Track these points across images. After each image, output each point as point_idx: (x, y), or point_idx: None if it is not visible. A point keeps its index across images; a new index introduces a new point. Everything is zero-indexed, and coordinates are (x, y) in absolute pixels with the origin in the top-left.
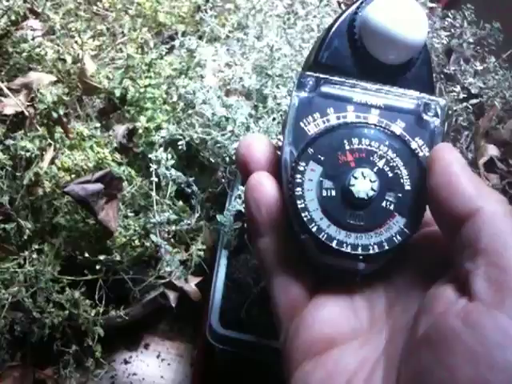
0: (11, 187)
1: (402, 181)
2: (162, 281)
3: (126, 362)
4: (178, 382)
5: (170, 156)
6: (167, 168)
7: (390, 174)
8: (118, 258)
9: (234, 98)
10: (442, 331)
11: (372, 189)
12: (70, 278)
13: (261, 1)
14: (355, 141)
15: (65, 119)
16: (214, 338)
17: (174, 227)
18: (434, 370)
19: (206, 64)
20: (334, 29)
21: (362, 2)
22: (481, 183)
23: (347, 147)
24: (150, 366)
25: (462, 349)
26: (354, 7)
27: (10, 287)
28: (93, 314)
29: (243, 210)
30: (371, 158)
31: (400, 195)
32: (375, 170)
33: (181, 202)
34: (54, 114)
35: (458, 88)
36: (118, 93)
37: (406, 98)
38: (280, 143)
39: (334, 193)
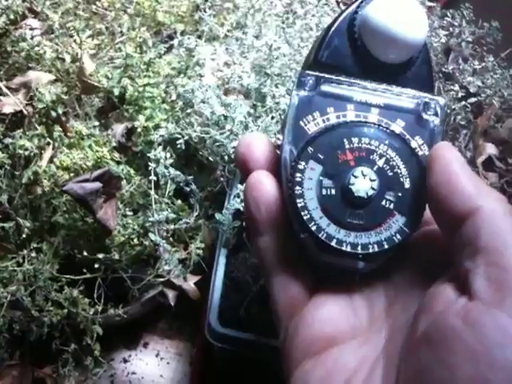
0: (10, 186)
1: (401, 180)
2: (161, 279)
3: (125, 361)
4: (177, 380)
5: (168, 155)
6: (166, 167)
7: (390, 173)
8: (117, 256)
9: (233, 97)
10: (442, 330)
11: (372, 188)
12: (68, 276)
13: (260, 0)
14: (355, 140)
15: (64, 118)
16: (212, 337)
17: (172, 226)
18: (434, 368)
19: (205, 63)
20: (334, 28)
21: (362, 1)
22: (480, 182)
23: (347, 146)
24: (149, 365)
25: (462, 348)
26: (354, 6)
27: (9, 286)
28: (91, 313)
29: (242, 209)
30: (371, 157)
31: (400, 194)
32: (375, 168)
33: (179, 201)
34: (53, 113)
35: (457, 87)
36: (116, 92)
37: (406, 97)
38: (279, 142)
39: (333, 192)
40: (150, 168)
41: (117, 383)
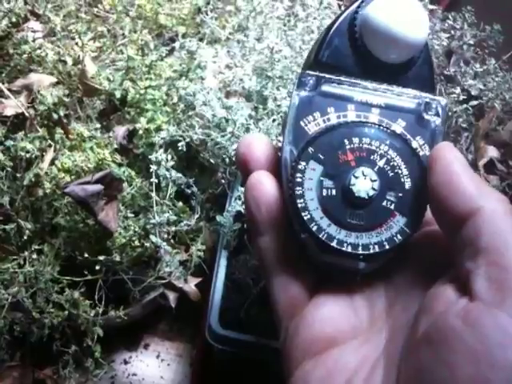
0: (11, 188)
1: (402, 180)
2: (162, 281)
3: (126, 363)
4: (177, 382)
5: (170, 157)
6: (167, 169)
7: (391, 174)
8: (118, 258)
9: (234, 100)
10: (443, 330)
11: (372, 188)
12: (69, 278)
13: (261, 3)
14: (356, 140)
15: (65, 120)
16: (213, 338)
17: (173, 228)
18: (435, 368)
19: (207, 66)
20: (334, 27)
21: (362, 1)
22: (481, 182)
23: (348, 146)
24: (150, 367)
25: (463, 348)
26: (354, 6)
27: (10, 287)
28: (92, 315)
29: (243, 211)
30: (372, 158)
31: (401, 194)
32: (376, 169)
33: (181, 203)
34: (55, 115)
35: (458, 90)
36: (118, 94)
37: (407, 97)
38: (280, 144)
39: (334, 192)
40: (151, 170)
41: None
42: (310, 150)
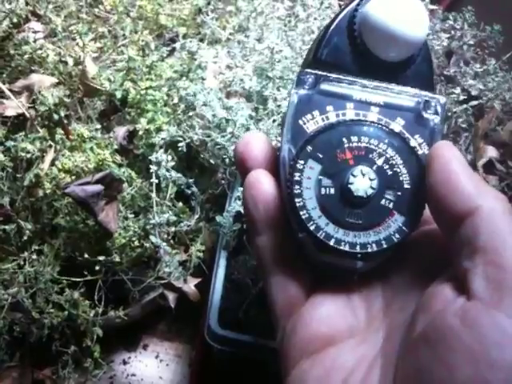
0: (12, 188)
1: (401, 179)
2: (161, 282)
3: (125, 363)
4: (176, 382)
5: (170, 157)
6: (167, 169)
7: (390, 172)
8: (118, 258)
9: (235, 100)
10: (441, 329)
11: (371, 187)
12: (69, 278)
13: (262, 3)
14: (354, 139)
15: (66, 121)
16: (212, 339)
17: (173, 228)
18: (433, 368)
19: (207, 66)
20: (333, 26)
21: None
22: (480, 181)
23: (346, 145)
24: (149, 367)
25: (461, 347)
26: (353, 4)
27: (10, 288)
28: (92, 315)
29: (243, 212)
30: (370, 156)
31: (399, 193)
32: (374, 168)
33: (181, 204)
34: (55, 116)
35: (458, 90)
36: (118, 95)
37: (406, 96)
38: (280, 144)
39: (332, 191)
40: (151, 171)
41: None
42: (309, 148)
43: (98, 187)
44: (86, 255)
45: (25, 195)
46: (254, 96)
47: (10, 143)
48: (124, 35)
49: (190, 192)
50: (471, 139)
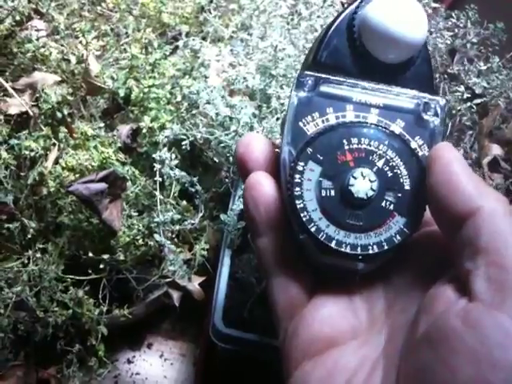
0: (15, 187)
1: (401, 180)
2: (166, 280)
3: (129, 362)
4: (180, 381)
5: (173, 156)
6: (171, 168)
7: (390, 174)
8: (122, 257)
9: (238, 98)
10: (443, 330)
11: (371, 189)
12: (73, 277)
13: (265, 1)
14: (354, 140)
15: (69, 119)
16: (216, 337)
17: (177, 227)
18: (435, 368)
19: (210, 64)
20: (333, 28)
21: (361, 1)
22: (481, 182)
23: (346, 147)
24: (153, 366)
25: (463, 348)
26: (353, 6)
27: (14, 286)
28: (96, 313)
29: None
30: (371, 158)
31: (400, 195)
32: (375, 169)
33: (184, 202)
34: (59, 114)
35: (462, 88)
36: (122, 93)
37: (406, 98)
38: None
39: (333, 193)
40: (155, 169)
41: None
42: (309, 150)
43: (102, 185)
44: (91, 253)
45: (29, 193)
46: (258, 94)
47: (13, 141)
48: (127, 33)
49: (193, 190)
50: (476, 137)
